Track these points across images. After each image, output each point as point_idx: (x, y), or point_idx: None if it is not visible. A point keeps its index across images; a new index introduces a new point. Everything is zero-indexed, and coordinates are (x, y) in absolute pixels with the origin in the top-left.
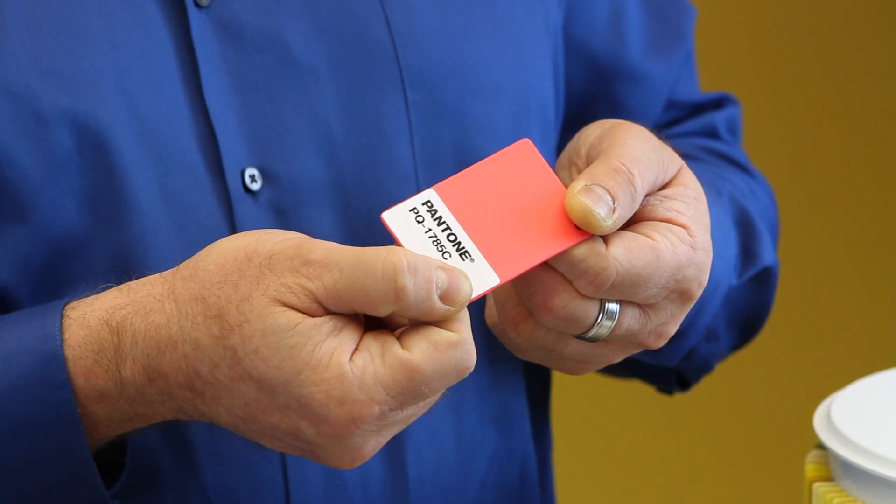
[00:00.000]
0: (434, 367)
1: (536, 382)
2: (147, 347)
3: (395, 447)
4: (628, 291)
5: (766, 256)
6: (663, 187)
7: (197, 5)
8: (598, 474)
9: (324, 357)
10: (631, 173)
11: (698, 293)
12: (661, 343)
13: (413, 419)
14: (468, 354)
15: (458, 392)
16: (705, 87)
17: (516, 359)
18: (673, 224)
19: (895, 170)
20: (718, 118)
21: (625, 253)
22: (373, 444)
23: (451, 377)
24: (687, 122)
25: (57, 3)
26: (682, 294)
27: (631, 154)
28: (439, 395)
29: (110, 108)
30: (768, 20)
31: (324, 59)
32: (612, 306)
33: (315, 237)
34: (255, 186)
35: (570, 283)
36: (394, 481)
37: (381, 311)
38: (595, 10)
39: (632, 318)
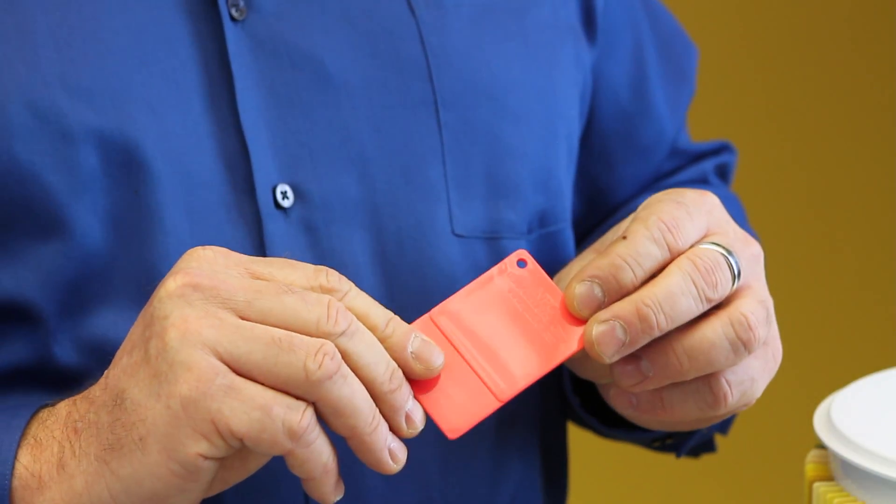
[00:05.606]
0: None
1: (550, 465)
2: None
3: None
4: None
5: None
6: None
7: (232, 19)
8: (599, 470)
9: None
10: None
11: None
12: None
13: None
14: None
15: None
16: (706, 91)
17: (523, 452)
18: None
19: (895, 170)
20: (709, 165)
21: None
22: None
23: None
24: (685, 171)
25: (85, 18)
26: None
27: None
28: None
29: (137, 126)
30: (771, 23)
31: (358, 77)
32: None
33: (345, 255)
34: (287, 203)
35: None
36: None
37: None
38: (619, 48)
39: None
